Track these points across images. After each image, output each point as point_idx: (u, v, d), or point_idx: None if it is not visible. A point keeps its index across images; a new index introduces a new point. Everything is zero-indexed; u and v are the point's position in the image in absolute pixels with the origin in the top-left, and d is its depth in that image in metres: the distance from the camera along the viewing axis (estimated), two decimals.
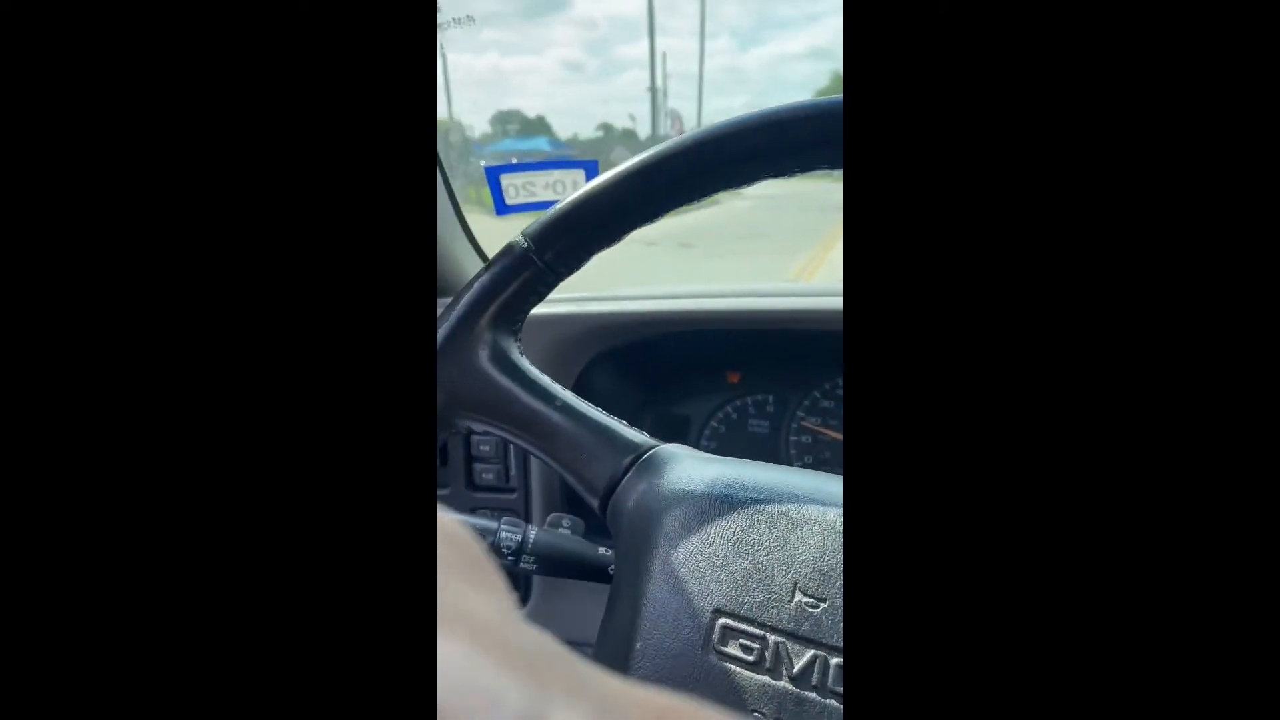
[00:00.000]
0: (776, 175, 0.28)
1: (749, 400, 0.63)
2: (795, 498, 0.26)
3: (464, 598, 0.09)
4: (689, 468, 0.29)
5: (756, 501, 0.26)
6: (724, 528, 0.26)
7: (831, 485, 0.27)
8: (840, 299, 0.53)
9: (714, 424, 0.64)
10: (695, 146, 0.27)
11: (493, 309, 0.31)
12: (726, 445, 0.63)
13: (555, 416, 0.30)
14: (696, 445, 0.63)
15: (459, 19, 0.48)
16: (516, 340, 0.32)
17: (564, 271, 0.31)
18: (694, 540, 0.26)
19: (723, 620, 0.24)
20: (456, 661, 0.07)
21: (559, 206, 0.30)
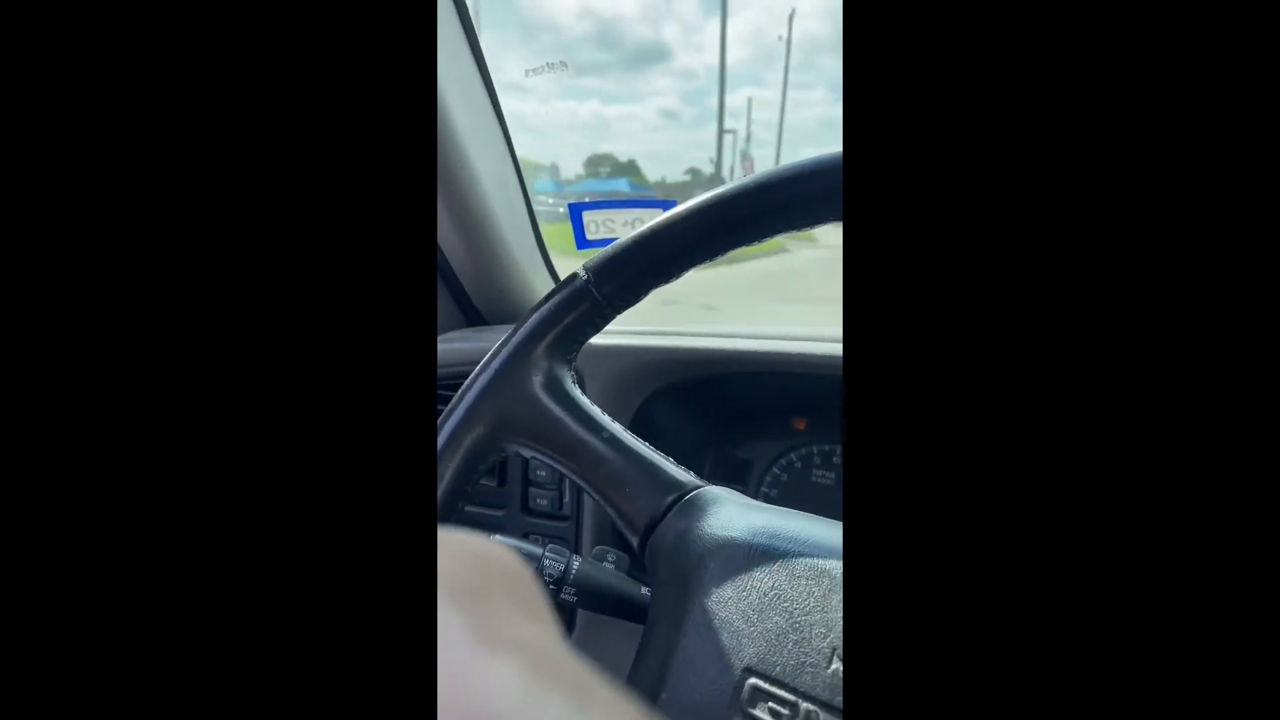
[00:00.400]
0: (840, 219, 0.27)
1: (815, 449, 0.60)
2: (835, 553, 0.24)
3: (514, 622, 0.10)
4: (732, 513, 0.27)
5: (799, 555, 0.24)
6: (762, 580, 0.24)
7: None
8: None
9: (776, 471, 0.61)
10: (757, 188, 0.27)
11: (549, 337, 0.31)
12: (788, 494, 0.60)
13: (601, 447, 0.30)
14: (756, 491, 0.61)
15: (552, 63, 0.51)
16: (570, 369, 0.33)
17: (621, 305, 0.31)
18: (729, 591, 0.25)
19: (753, 680, 0.23)
20: (507, 680, 0.08)
21: (620, 242, 0.30)
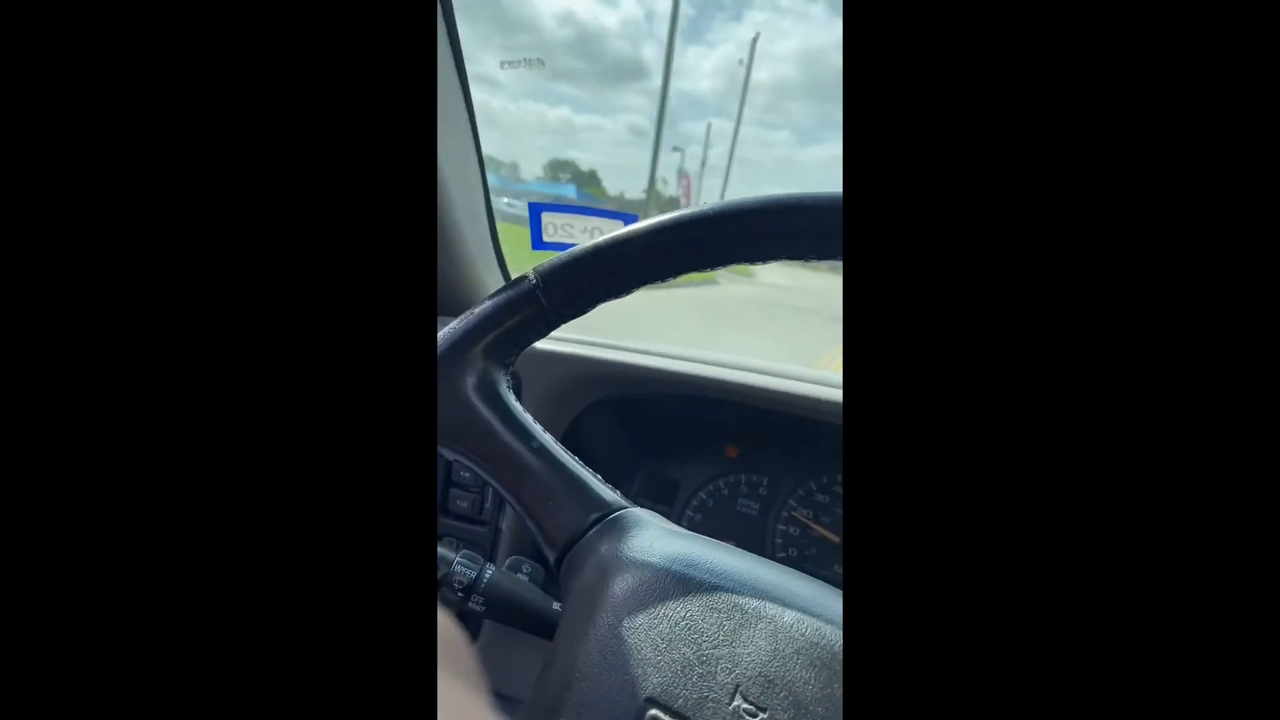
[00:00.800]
0: (792, 258, 0.28)
1: (743, 478, 0.61)
2: (756, 591, 0.24)
3: (448, 689, 0.10)
4: (653, 537, 0.27)
5: (714, 587, 0.24)
6: (674, 609, 0.24)
7: (798, 584, 0.25)
8: None
9: (703, 495, 0.61)
10: (716, 217, 0.27)
11: (488, 339, 0.30)
12: (712, 520, 0.61)
13: (529, 457, 0.29)
14: (682, 514, 0.61)
15: (530, 59, 0.50)
16: (506, 374, 0.32)
17: (568, 314, 0.31)
18: (641, 617, 0.24)
19: (653, 711, 0.22)
20: None
21: (573, 250, 0.30)
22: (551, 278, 0.29)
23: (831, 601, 0.24)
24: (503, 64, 0.51)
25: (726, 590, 0.24)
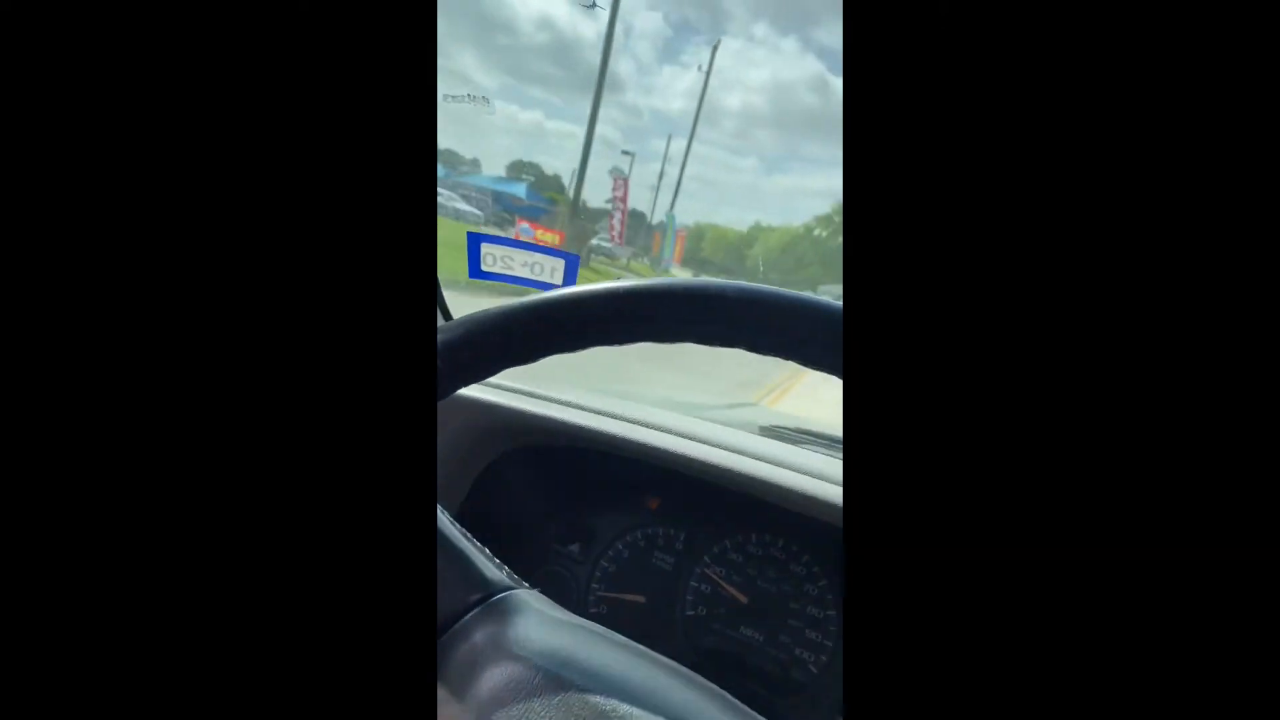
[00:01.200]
0: (700, 343, 0.28)
1: (660, 532, 0.61)
2: (623, 693, 0.24)
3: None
4: (532, 628, 0.26)
5: (584, 690, 0.24)
6: (538, 711, 0.23)
7: (676, 692, 0.24)
8: (785, 471, 0.52)
9: (620, 546, 0.61)
10: (626, 295, 0.27)
11: None
12: (626, 572, 0.60)
13: None
14: (596, 565, 0.60)
15: (474, 96, 0.49)
16: None
17: (470, 378, 0.29)
18: (501, 716, 0.23)
19: None
20: None
21: (478, 319, 0.29)
22: (449, 348, 0.28)
23: (706, 708, 0.24)
24: (445, 98, 0.50)
25: (595, 693, 0.23)
